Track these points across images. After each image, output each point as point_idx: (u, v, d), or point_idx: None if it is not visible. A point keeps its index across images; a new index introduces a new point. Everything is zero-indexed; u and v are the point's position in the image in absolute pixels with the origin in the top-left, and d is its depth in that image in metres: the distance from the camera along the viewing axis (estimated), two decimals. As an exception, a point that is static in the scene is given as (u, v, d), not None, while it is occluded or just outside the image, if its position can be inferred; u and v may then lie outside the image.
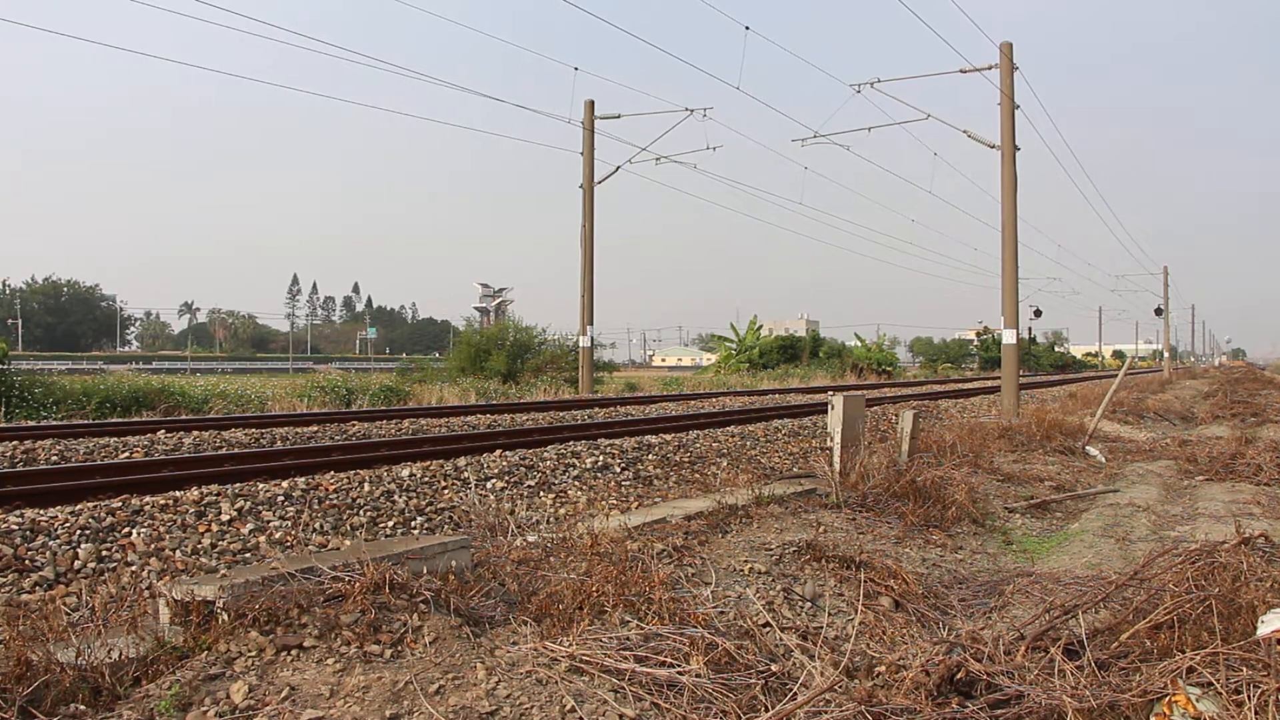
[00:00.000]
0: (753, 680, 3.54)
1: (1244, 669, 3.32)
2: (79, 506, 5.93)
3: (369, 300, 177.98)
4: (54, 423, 14.24)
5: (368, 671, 3.37)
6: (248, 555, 5.76)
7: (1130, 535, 7.42)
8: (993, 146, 18.79)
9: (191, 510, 6.13)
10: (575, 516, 6.75)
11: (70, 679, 3.13)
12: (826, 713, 3.31)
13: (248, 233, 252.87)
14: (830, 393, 10.58)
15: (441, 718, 3.13)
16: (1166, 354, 63.57)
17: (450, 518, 7.04)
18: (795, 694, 3.42)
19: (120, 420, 15.36)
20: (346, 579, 3.77)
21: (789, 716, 3.19)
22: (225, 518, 6.18)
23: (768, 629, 4.30)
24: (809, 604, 4.97)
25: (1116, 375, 19.36)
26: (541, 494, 8.03)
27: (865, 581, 5.12)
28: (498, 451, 9.27)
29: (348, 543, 6.15)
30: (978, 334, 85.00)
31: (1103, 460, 12.34)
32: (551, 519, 6.89)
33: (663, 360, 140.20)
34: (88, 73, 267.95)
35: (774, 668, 3.69)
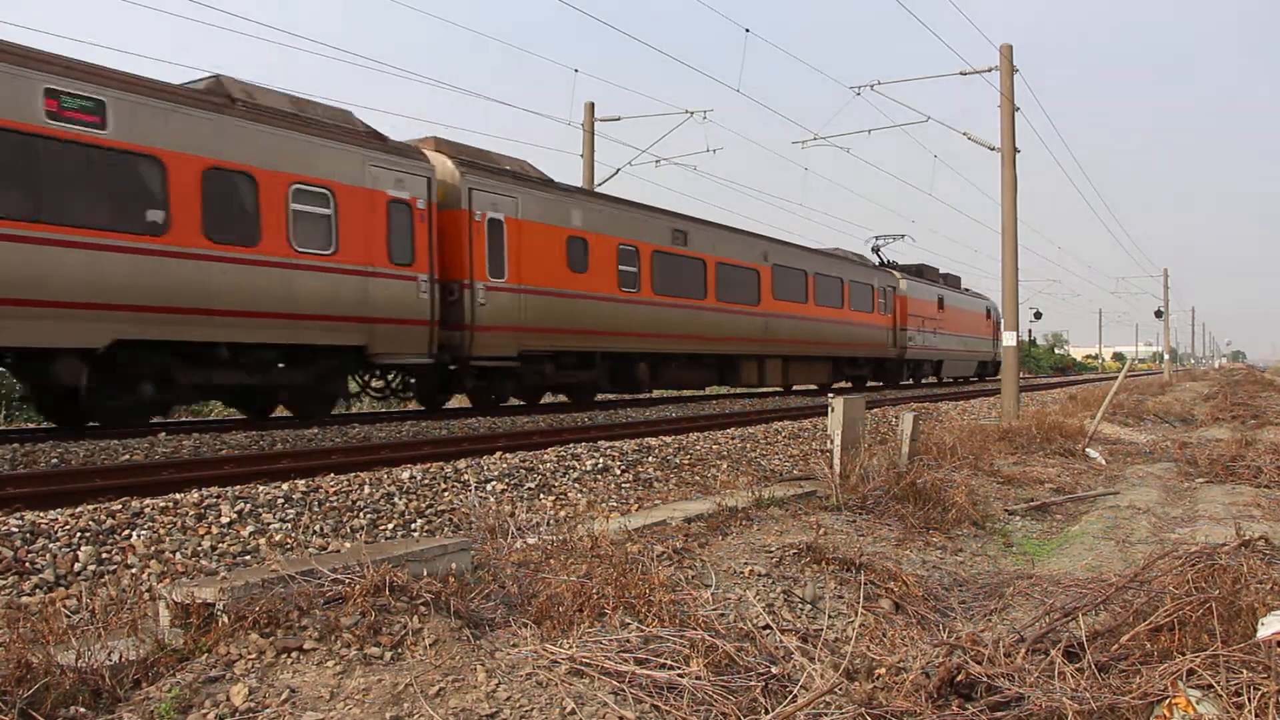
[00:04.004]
0: (753, 682, 3.54)
1: (1244, 671, 3.32)
2: (79, 509, 5.93)
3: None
4: (54, 425, 14.23)
5: (368, 674, 3.37)
6: (248, 557, 5.76)
7: (1130, 537, 7.42)
8: (993, 149, 18.82)
9: (191, 513, 6.13)
10: (575, 519, 6.74)
11: (70, 681, 3.13)
12: (827, 715, 3.32)
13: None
14: (830, 395, 10.61)
15: (441, 720, 3.13)
16: (1166, 356, 63.55)
17: (450, 520, 7.04)
18: (795, 696, 3.42)
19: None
20: (347, 581, 3.77)
21: (789, 719, 3.19)
22: (225, 520, 6.18)
23: (768, 631, 4.30)
24: (809, 606, 4.97)
25: (1116, 377, 19.37)
26: (541, 496, 8.03)
27: (865, 584, 5.12)
28: (498, 454, 9.26)
29: (348, 545, 6.15)
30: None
31: (1103, 462, 12.34)
32: (552, 521, 6.89)
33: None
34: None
35: (774, 670, 3.70)
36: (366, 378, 14.39)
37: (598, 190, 18.82)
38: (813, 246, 26.22)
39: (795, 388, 25.71)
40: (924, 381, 33.82)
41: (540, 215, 15.59)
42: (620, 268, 17.33)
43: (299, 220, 11.83)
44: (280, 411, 14.03)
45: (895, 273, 30.64)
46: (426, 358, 13.64)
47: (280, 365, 12.23)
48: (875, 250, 32.24)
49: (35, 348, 9.54)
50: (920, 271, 32.43)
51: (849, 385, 28.63)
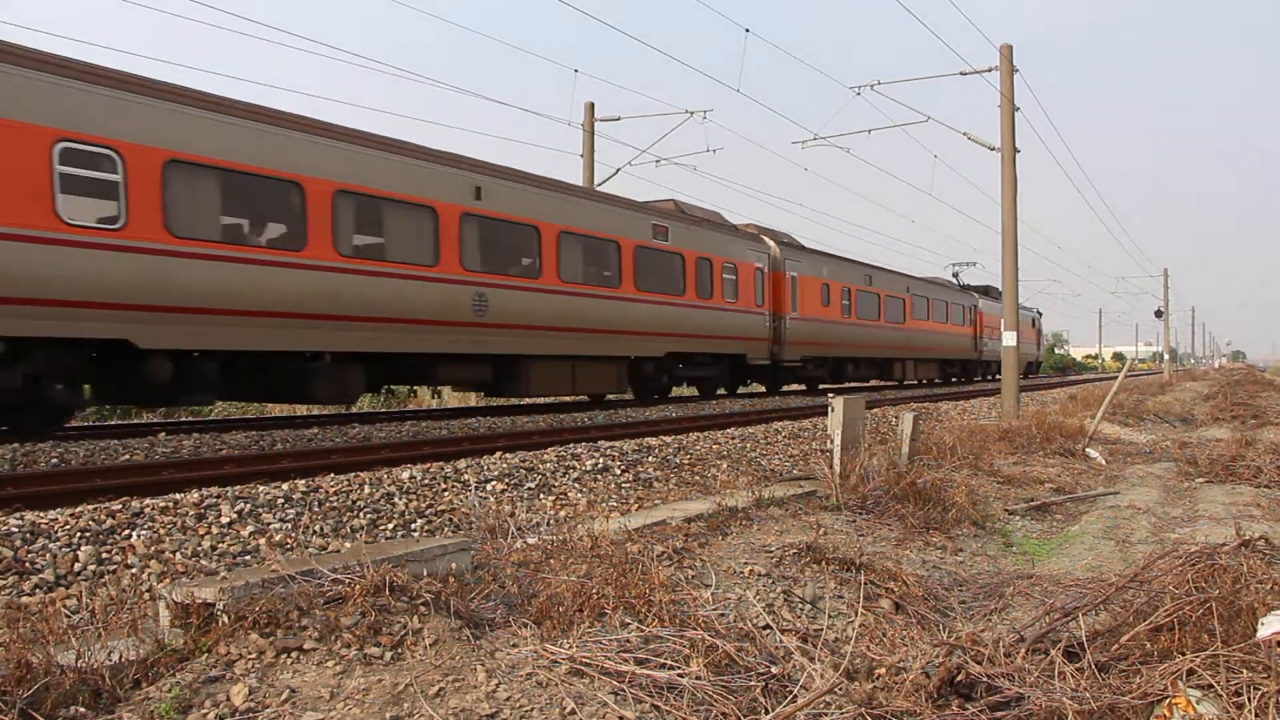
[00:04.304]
0: (753, 682, 3.54)
1: (1244, 671, 3.32)
2: (79, 509, 5.93)
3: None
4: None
5: (368, 674, 3.38)
6: (248, 557, 5.76)
7: (1130, 537, 7.43)
8: (993, 149, 18.81)
9: (191, 513, 6.13)
10: (575, 519, 6.75)
11: (70, 681, 3.13)
12: (827, 715, 3.32)
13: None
14: (830, 394, 10.62)
15: (441, 720, 3.13)
16: (1166, 356, 63.53)
17: (450, 520, 7.04)
18: (795, 696, 3.42)
19: (120, 423, 15.36)
20: (347, 581, 3.77)
21: (789, 719, 3.19)
22: (225, 520, 6.18)
23: (768, 631, 4.30)
24: (809, 606, 4.97)
25: (1116, 377, 19.37)
26: (541, 496, 8.03)
27: (865, 584, 5.12)
28: (498, 454, 9.26)
29: (348, 545, 6.15)
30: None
31: (1103, 462, 12.34)
32: (552, 521, 6.90)
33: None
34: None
35: (774, 670, 3.70)
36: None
37: (807, 244, 26.51)
38: (920, 276, 34.60)
39: (907, 380, 33.39)
40: (990, 377, 41.83)
41: (809, 271, 24.91)
42: (842, 302, 26.39)
43: (725, 284, 20.88)
44: (678, 392, 23.92)
45: (974, 293, 39.84)
46: (767, 360, 22.84)
47: (708, 364, 21.19)
48: (955, 275, 41.62)
49: (640, 356, 18.33)
50: (987, 291, 41.29)
51: (940, 380, 36.83)
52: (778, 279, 23.18)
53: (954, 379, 37.93)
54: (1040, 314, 49.87)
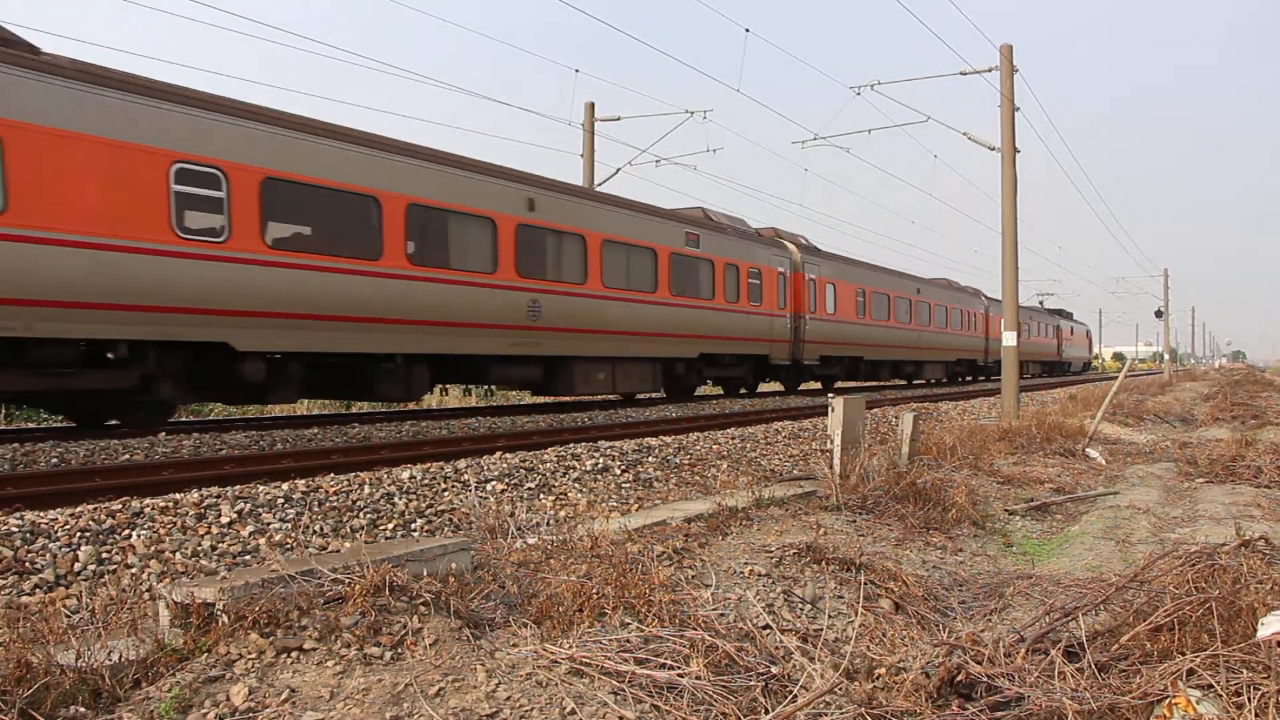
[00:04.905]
0: (753, 682, 3.54)
1: (1244, 671, 3.32)
2: (79, 509, 5.93)
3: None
4: (54, 425, 14.25)
5: (368, 674, 3.38)
6: (248, 557, 5.76)
7: (1130, 537, 7.43)
8: (993, 149, 18.81)
9: (191, 512, 6.13)
10: (575, 519, 6.75)
11: (70, 681, 3.13)
12: (826, 715, 3.32)
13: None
14: (830, 394, 10.64)
15: (441, 720, 3.13)
16: (1166, 356, 63.52)
17: (450, 520, 7.04)
18: (795, 696, 3.42)
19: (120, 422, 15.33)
20: (346, 581, 3.77)
21: (789, 719, 3.19)
22: (225, 520, 6.17)
23: (768, 631, 4.30)
24: (809, 606, 4.97)
25: (1116, 377, 19.37)
26: (541, 496, 8.03)
27: (865, 584, 5.12)
28: (498, 454, 9.26)
29: (348, 545, 6.15)
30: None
31: (1103, 462, 12.34)
32: (551, 521, 6.89)
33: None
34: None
35: (774, 670, 3.70)
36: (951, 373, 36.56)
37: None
38: (1026, 305, 48.10)
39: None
40: (1067, 373, 57.99)
41: (1023, 321, 37.27)
42: (1046, 331, 45.89)
43: (965, 320, 36.57)
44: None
45: (1056, 314, 55.76)
46: (982, 363, 38.43)
47: (956, 365, 36.19)
48: (1040, 302, 58.51)
49: (945, 360, 35.08)
50: (1061, 311, 58.19)
51: (1039, 374, 51.20)
52: (985, 319, 38.30)
53: (1043, 373, 54.40)
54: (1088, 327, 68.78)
